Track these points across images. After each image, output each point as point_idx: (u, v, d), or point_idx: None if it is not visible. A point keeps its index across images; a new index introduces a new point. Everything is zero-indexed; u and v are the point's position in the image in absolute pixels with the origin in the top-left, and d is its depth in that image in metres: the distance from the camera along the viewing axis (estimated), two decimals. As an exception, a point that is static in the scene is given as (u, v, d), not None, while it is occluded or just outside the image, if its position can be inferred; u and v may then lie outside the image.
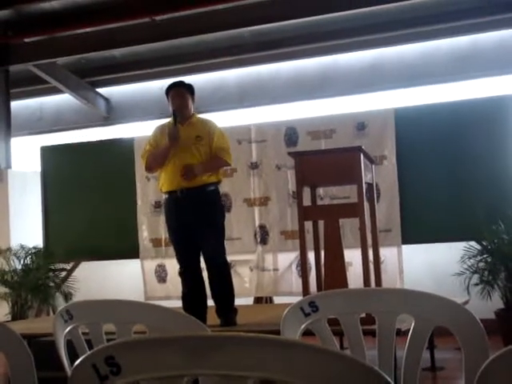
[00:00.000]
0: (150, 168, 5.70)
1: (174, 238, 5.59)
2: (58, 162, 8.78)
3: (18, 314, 8.10)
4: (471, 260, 6.94)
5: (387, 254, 7.03)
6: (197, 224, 5.41)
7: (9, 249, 8.40)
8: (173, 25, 8.82)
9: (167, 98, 5.61)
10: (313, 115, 8.48)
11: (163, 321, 2.36)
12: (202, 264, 5.59)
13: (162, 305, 2.56)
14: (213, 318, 5.34)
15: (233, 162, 5.90)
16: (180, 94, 5.55)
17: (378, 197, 6.87)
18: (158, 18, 8.85)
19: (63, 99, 10.74)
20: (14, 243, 8.62)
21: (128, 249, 8.17)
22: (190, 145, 5.44)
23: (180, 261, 5.58)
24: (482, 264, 6.91)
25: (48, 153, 8.89)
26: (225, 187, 7.63)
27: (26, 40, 9.56)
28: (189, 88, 5.64)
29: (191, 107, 5.62)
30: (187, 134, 5.45)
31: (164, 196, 5.66)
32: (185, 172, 5.34)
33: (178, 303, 6.59)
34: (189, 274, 5.54)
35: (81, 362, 1.35)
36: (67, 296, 8.26)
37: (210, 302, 5.60)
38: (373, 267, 5.13)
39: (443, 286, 6.17)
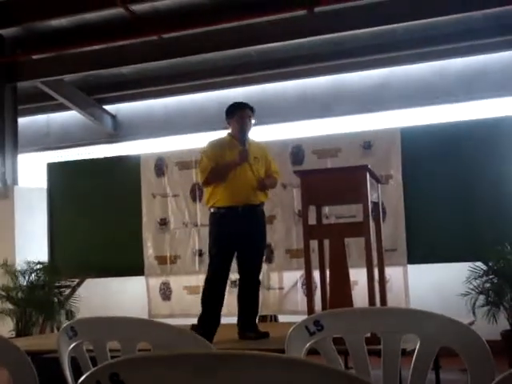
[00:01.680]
0: (208, 183, 5.73)
1: (218, 249, 5.62)
2: (65, 179, 8.79)
3: (22, 331, 8.09)
4: (477, 280, 6.91)
5: (393, 273, 7.00)
6: (247, 240, 5.56)
7: (5, 264, 8.38)
8: (180, 43, 8.86)
9: (231, 115, 5.75)
10: (319, 134, 8.48)
11: (168, 338, 2.35)
12: None
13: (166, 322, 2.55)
14: (222, 334, 5.33)
15: None
16: (249, 116, 5.73)
17: (384, 216, 6.86)
18: (165, 36, 8.90)
19: (70, 116, 10.79)
20: (20, 259, 8.62)
21: (133, 266, 8.15)
22: (250, 165, 5.62)
23: (214, 270, 5.63)
24: (487, 285, 6.89)
25: (54, 169, 8.90)
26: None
27: (34, 57, 9.62)
28: (252, 111, 5.80)
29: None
30: None
31: (216, 210, 5.65)
32: (260, 182, 5.60)
33: (183, 321, 6.57)
34: (217, 293, 5.60)
35: (85, 378, 1.35)
36: (71, 313, 8.25)
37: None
38: (378, 287, 5.11)
39: (449, 307, 6.13)
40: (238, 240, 5.55)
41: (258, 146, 5.88)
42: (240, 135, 5.64)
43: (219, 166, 5.62)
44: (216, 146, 5.78)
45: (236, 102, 5.88)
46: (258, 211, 5.65)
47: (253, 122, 5.76)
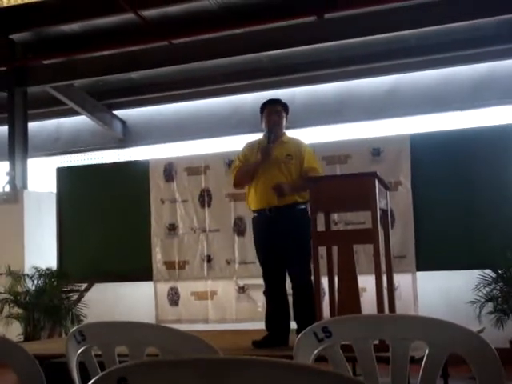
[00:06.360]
0: (238, 183, 5.66)
1: (261, 257, 5.51)
2: (74, 184, 8.80)
3: (30, 335, 8.10)
4: (486, 288, 6.89)
5: (401, 280, 6.98)
6: (285, 244, 5.33)
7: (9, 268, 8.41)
8: (190, 48, 8.89)
9: (261, 113, 5.59)
10: (328, 140, 8.48)
11: (175, 343, 2.35)
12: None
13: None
14: (233, 340, 5.31)
15: None
16: (276, 111, 5.55)
17: (393, 223, 6.85)
18: (175, 41, 8.93)
19: (80, 121, 10.82)
20: (28, 264, 8.65)
21: (141, 271, 8.15)
22: (279, 163, 5.42)
23: (265, 281, 5.49)
24: (496, 292, 6.86)
25: (64, 174, 8.91)
26: (240, 211, 7.63)
27: (45, 62, 9.66)
28: (284, 106, 5.64)
29: (284, 126, 5.61)
30: (278, 152, 5.44)
31: (253, 214, 5.58)
32: (274, 189, 5.28)
33: (190, 326, 6.55)
34: (273, 295, 5.46)
35: (93, 382, 1.35)
36: (79, 317, 8.26)
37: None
38: (387, 293, 5.10)
39: (458, 314, 6.12)
40: (275, 243, 5.34)
41: (294, 142, 5.62)
42: (265, 131, 5.50)
43: (245, 167, 5.52)
44: (248, 146, 5.68)
45: (266, 100, 5.73)
46: (291, 212, 5.34)
47: (284, 118, 5.55)
